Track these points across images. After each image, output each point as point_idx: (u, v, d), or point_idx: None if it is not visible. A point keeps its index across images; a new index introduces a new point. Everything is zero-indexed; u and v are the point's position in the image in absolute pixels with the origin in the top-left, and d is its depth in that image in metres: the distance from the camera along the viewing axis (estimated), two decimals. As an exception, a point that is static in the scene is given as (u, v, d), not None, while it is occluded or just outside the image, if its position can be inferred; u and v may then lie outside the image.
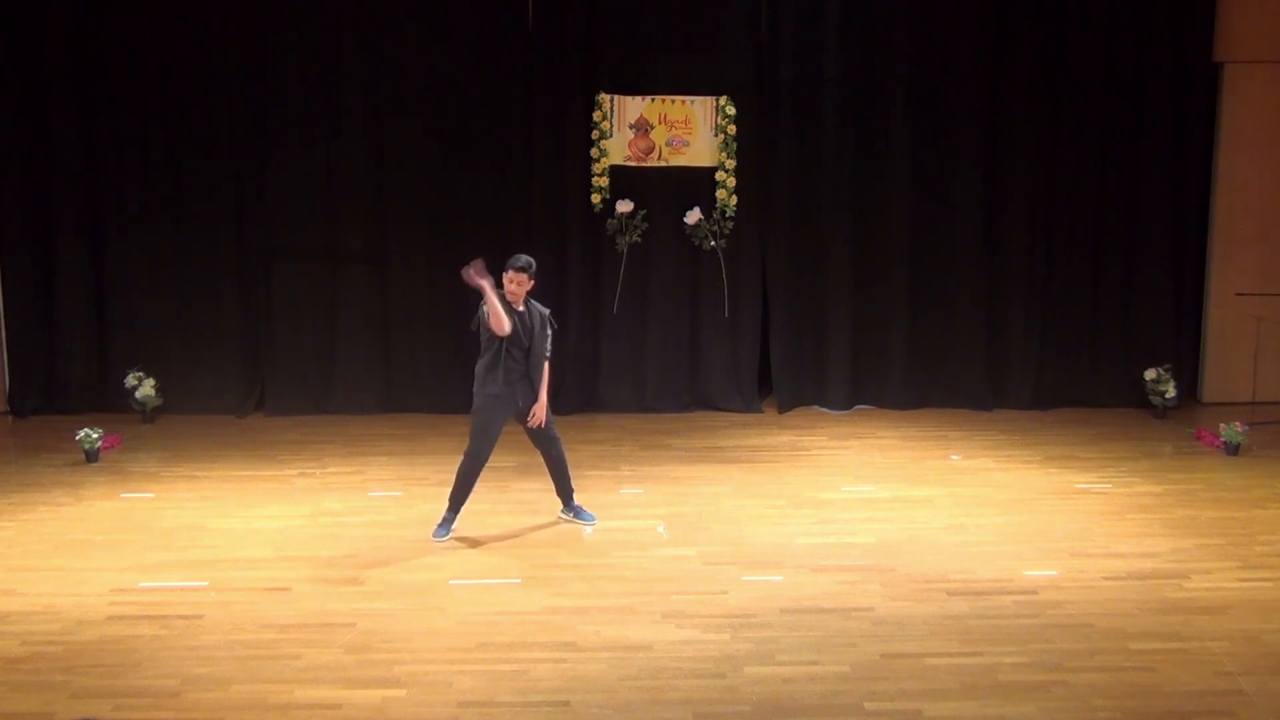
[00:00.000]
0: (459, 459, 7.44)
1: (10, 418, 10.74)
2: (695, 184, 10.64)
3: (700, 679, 5.63)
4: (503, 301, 7.27)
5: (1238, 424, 9.40)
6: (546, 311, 7.57)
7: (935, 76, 10.63)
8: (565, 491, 7.86)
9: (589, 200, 10.60)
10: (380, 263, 10.76)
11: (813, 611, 6.37)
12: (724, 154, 10.56)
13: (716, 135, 10.58)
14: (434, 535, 7.54)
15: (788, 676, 5.64)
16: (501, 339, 7.30)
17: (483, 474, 7.46)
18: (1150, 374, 10.60)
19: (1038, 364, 10.93)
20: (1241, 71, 10.75)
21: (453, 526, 7.61)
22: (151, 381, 10.44)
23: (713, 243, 10.69)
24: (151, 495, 8.47)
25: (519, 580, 6.83)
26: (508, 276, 7.36)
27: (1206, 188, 10.95)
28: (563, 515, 7.88)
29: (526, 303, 7.46)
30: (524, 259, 7.44)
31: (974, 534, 7.60)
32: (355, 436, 10.03)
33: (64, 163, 10.55)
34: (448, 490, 7.55)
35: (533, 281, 7.43)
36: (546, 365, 7.56)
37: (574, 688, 5.54)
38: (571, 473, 7.83)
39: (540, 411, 7.49)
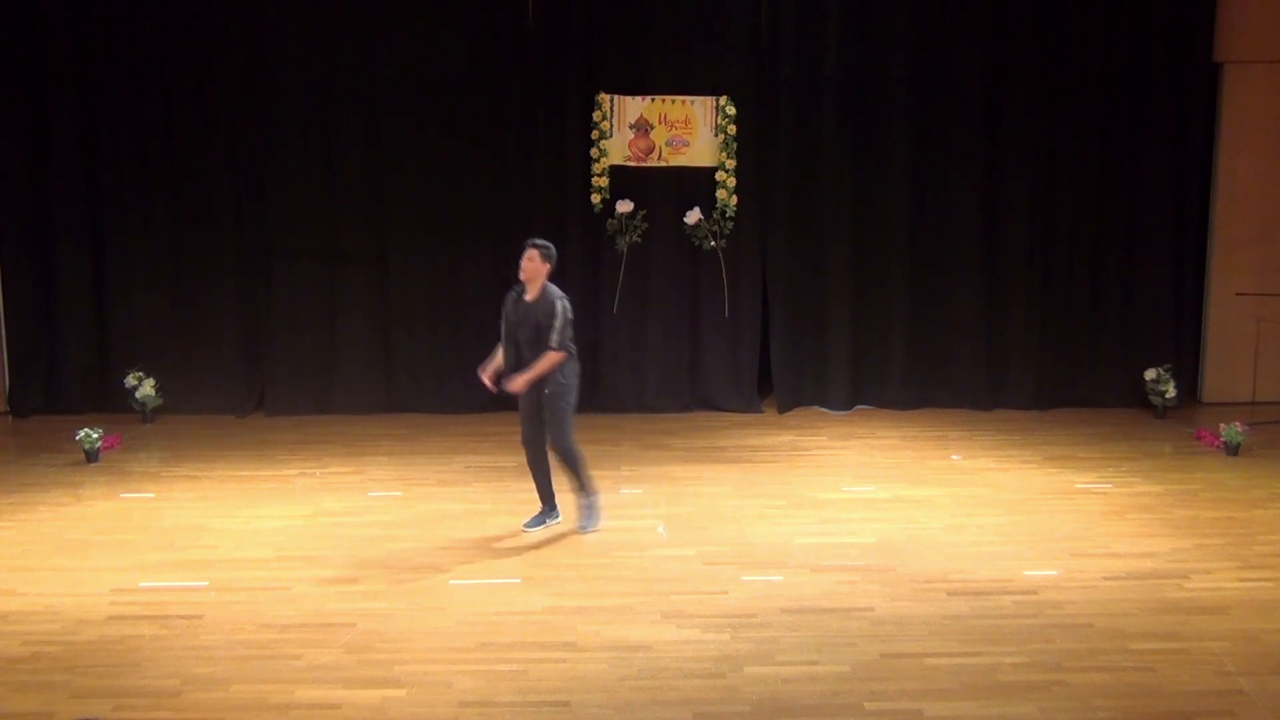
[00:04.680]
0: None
1: (10, 418, 10.74)
2: (695, 184, 10.64)
3: (700, 679, 5.62)
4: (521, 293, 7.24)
5: (1238, 424, 9.39)
6: (559, 301, 7.24)
7: (935, 76, 10.63)
8: (546, 493, 7.68)
9: (589, 200, 10.60)
10: (380, 263, 10.76)
11: (813, 611, 6.36)
12: (724, 154, 10.56)
13: (716, 135, 10.58)
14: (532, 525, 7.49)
15: (788, 676, 5.63)
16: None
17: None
18: (1150, 374, 10.61)
19: (1038, 364, 10.93)
20: (1241, 71, 10.75)
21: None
22: (151, 381, 10.44)
23: (713, 243, 10.69)
24: (151, 495, 8.47)
25: (519, 580, 6.82)
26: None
27: (1206, 188, 10.95)
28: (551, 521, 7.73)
29: (543, 289, 7.25)
30: (539, 240, 7.31)
31: (974, 534, 7.59)
32: (355, 436, 10.03)
33: (64, 163, 10.56)
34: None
35: (547, 265, 7.25)
36: (549, 355, 7.19)
37: (574, 688, 5.54)
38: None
39: (519, 381, 7.21)
